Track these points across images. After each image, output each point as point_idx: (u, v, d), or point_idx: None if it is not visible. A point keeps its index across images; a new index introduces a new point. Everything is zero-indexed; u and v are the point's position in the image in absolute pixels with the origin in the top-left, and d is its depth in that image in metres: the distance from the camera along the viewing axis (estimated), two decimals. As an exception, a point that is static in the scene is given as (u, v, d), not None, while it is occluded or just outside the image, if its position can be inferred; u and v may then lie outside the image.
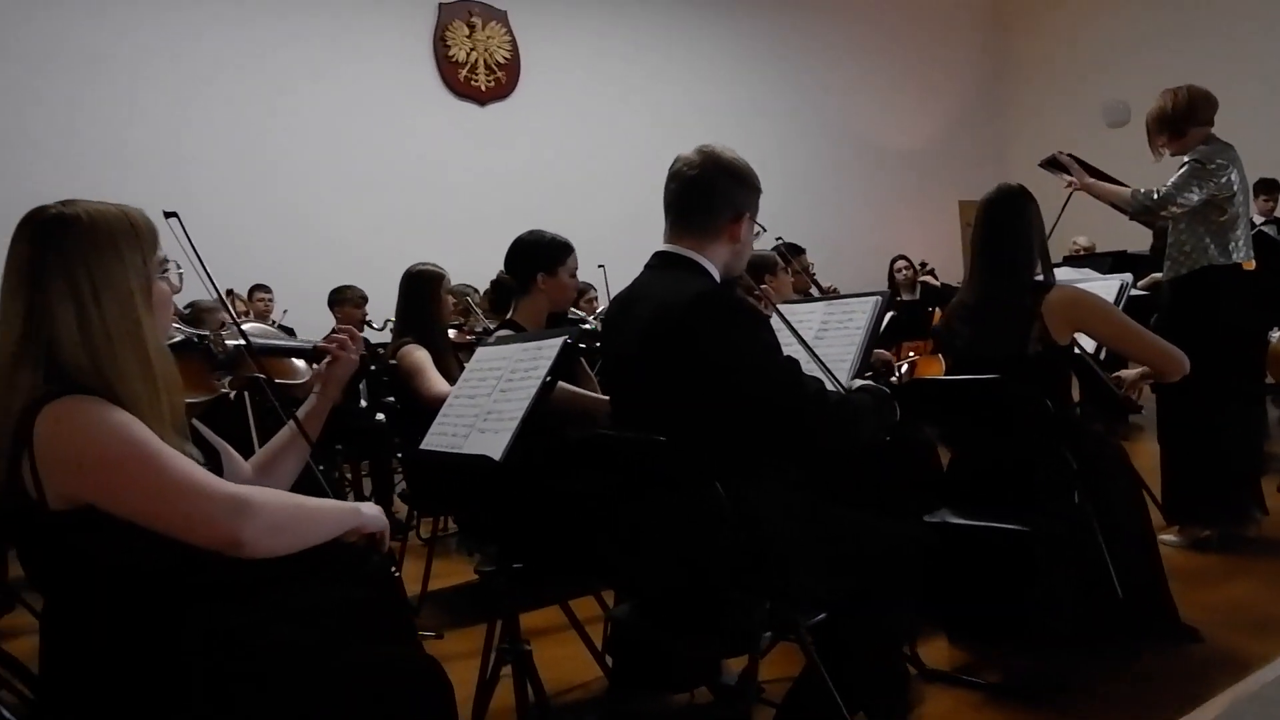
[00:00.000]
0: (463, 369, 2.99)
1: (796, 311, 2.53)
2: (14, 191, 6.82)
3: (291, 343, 2.51)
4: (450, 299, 4.08)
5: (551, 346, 2.09)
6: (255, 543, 1.36)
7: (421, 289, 3.61)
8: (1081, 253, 7.11)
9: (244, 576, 1.46)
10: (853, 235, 10.66)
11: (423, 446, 2.23)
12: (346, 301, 6.34)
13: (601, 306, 6.17)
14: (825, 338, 2.42)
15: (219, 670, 1.39)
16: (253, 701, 1.39)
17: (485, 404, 2.14)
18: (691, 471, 1.80)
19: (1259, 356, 3.51)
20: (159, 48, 7.63)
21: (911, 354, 6.18)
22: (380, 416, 4.84)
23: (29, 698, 2.14)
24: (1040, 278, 2.66)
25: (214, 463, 1.57)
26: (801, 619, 1.84)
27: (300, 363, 2.46)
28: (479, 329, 4.69)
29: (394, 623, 1.72)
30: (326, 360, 1.90)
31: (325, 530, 1.51)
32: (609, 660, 2.58)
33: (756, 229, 2.10)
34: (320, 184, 8.21)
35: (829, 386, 1.99)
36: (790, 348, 1.96)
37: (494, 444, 1.99)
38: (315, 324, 6.21)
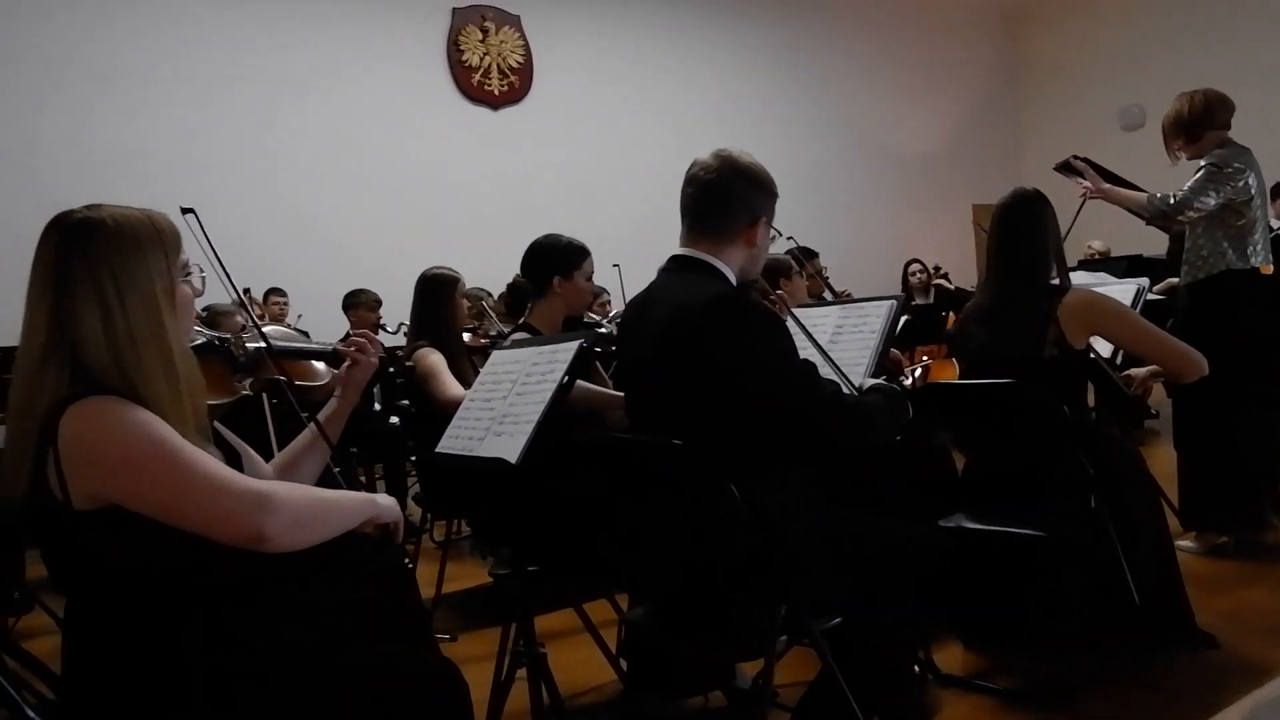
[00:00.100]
0: (477, 372, 3.00)
1: (811, 315, 2.52)
2: (27, 197, 6.94)
3: (311, 345, 2.53)
4: (465, 303, 4.10)
5: (567, 350, 2.10)
6: (279, 537, 1.38)
7: (437, 292, 3.62)
8: (1096, 257, 7.08)
9: (263, 574, 1.47)
10: (865, 239, 10.65)
11: (439, 449, 2.24)
12: (361, 305, 6.37)
13: (615, 309, 6.18)
14: (839, 342, 2.42)
15: (235, 671, 1.40)
16: (268, 701, 1.40)
17: (501, 407, 2.15)
18: (706, 474, 1.80)
19: (1277, 362, 3.48)
20: (171, 53, 7.68)
21: (925, 358, 6.17)
22: (394, 420, 4.85)
23: (48, 698, 2.16)
24: (1056, 281, 2.65)
25: (234, 464, 1.58)
26: (816, 623, 1.84)
27: (320, 365, 2.48)
28: (493, 332, 4.70)
29: (410, 624, 1.73)
30: (346, 364, 1.92)
31: (345, 521, 1.53)
32: (623, 663, 2.59)
33: (772, 233, 2.10)
34: (333, 188, 8.25)
35: (844, 390, 1.99)
36: (805, 351, 1.95)
37: (510, 447, 2.00)
38: (329, 328, 6.25)
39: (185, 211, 1.74)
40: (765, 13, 10.72)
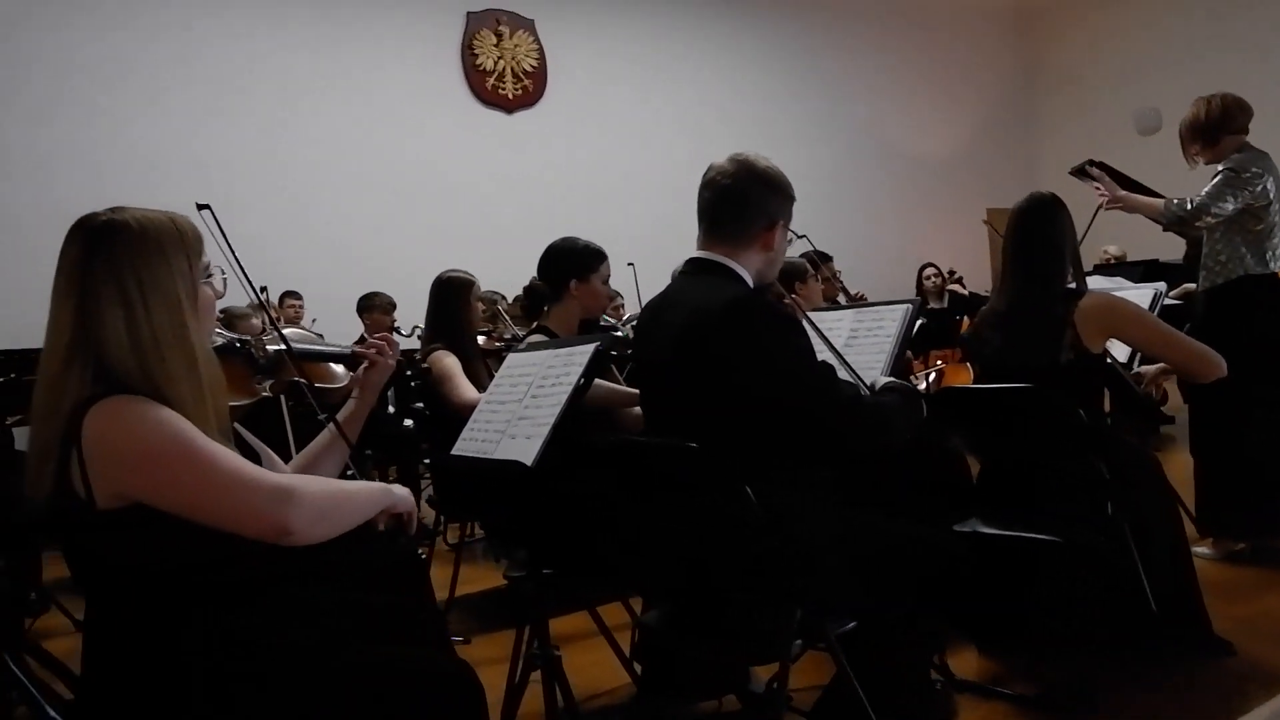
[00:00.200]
0: (491, 375, 3.01)
1: (825, 319, 2.52)
2: (39, 201, 6.99)
3: (329, 348, 2.54)
4: (480, 305, 4.11)
5: (583, 353, 2.10)
6: (304, 530, 1.39)
7: (452, 295, 3.64)
8: (1112, 261, 7.04)
9: (279, 572, 1.48)
10: (879, 243, 10.62)
11: (454, 452, 2.24)
12: (375, 308, 6.40)
13: (629, 311, 6.18)
14: (854, 345, 2.41)
15: (246, 673, 1.41)
16: (282, 703, 1.41)
17: (516, 410, 2.16)
18: (723, 477, 1.80)
19: (1295, 367, 3.46)
20: (183, 57, 7.71)
21: (939, 362, 6.16)
22: (408, 422, 4.87)
23: (65, 698, 2.18)
24: (1072, 285, 2.64)
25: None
26: (831, 627, 1.83)
27: (338, 367, 2.49)
28: (508, 335, 4.71)
29: (425, 625, 1.73)
30: (364, 366, 1.93)
31: (364, 512, 1.55)
32: (637, 667, 2.59)
33: (790, 236, 2.10)
34: (346, 191, 8.28)
35: (862, 391, 1.99)
36: (820, 354, 1.95)
37: (525, 450, 2.00)
38: (342, 331, 6.28)
39: (201, 208, 1.76)
40: (779, 17, 10.72)
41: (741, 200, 1.99)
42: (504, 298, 5.69)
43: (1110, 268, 6.27)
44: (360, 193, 8.33)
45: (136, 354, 1.39)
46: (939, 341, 5.82)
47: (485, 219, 8.69)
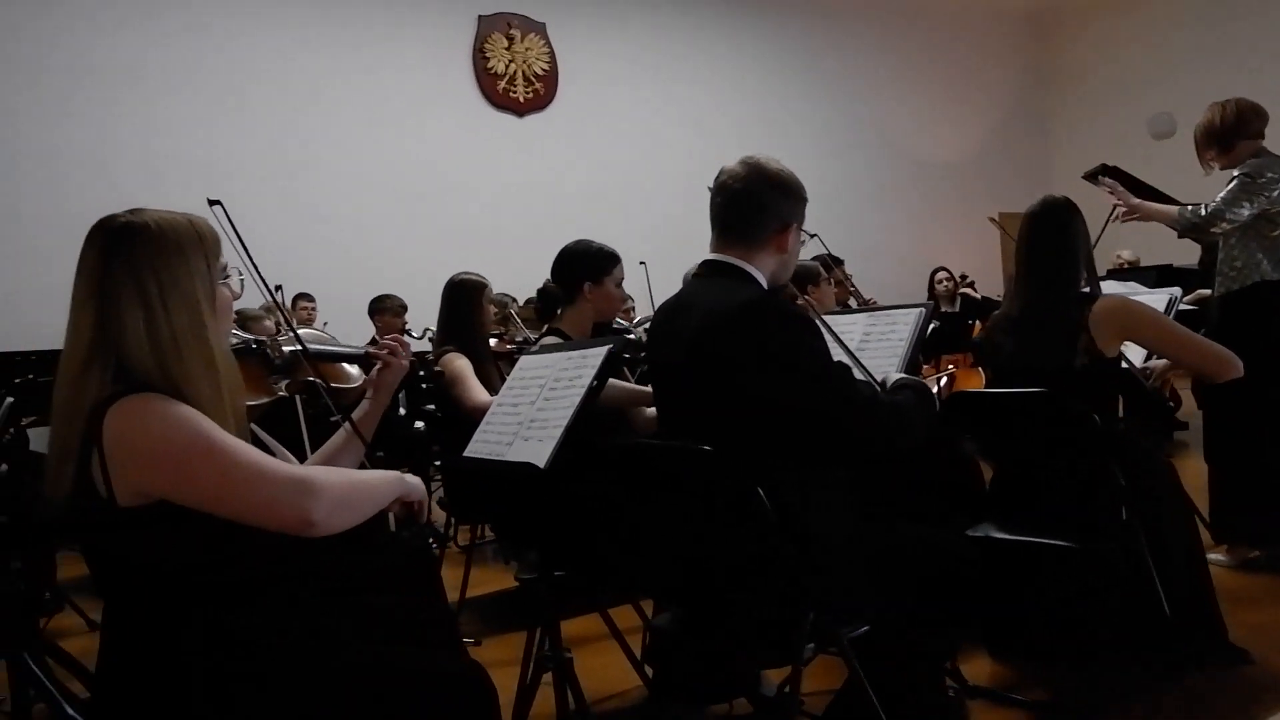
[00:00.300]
0: (503, 378, 3.01)
1: (838, 323, 2.51)
2: (49, 202, 7.02)
3: (343, 348, 2.56)
4: (492, 308, 4.12)
5: (596, 355, 2.10)
6: (326, 521, 1.40)
7: (464, 298, 3.65)
8: (1125, 266, 7.01)
9: (296, 568, 1.49)
10: (890, 247, 10.60)
11: (466, 453, 2.25)
12: (386, 310, 6.41)
13: (640, 314, 6.18)
14: (867, 349, 2.41)
15: (267, 673, 1.41)
16: (299, 703, 1.41)
17: (529, 412, 2.16)
18: (736, 480, 1.80)
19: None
20: (194, 58, 7.76)
21: (950, 366, 6.14)
22: (419, 424, 4.88)
23: (79, 697, 2.19)
24: (1086, 290, 2.63)
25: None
26: (844, 631, 1.83)
27: (352, 368, 2.51)
28: (519, 338, 4.72)
29: (436, 626, 1.73)
30: (377, 366, 1.94)
31: (380, 500, 1.56)
32: (648, 669, 2.59)
33: (804, 237, 2.10)
34: (357, 194, 8.31)
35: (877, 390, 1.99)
36: (835, 355, 1.95)
37: (538, 452, 2.01)
38: (352, 334, 6.29)
39: (212, 203, 1.77)
40: (791, 21, 10.72)
41: (753, 204, 1.99)
42: (515, 300, 5.70)
43: (1124, 273, 6.24)
44: (371, 195, 8.36)
45: (156, 354, 1.40)
46: (950, 345, 5.81)
47: (496, 221, 8.71)
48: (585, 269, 3.05)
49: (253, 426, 1.66)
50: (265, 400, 2.29)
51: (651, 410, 2.96)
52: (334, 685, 1.43)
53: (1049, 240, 2.66)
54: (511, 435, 2.14)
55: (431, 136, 8.69)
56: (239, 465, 1.37)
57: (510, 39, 9.20)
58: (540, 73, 9.35)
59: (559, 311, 3.16)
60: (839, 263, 4.87)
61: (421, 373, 3.47)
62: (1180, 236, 3.66)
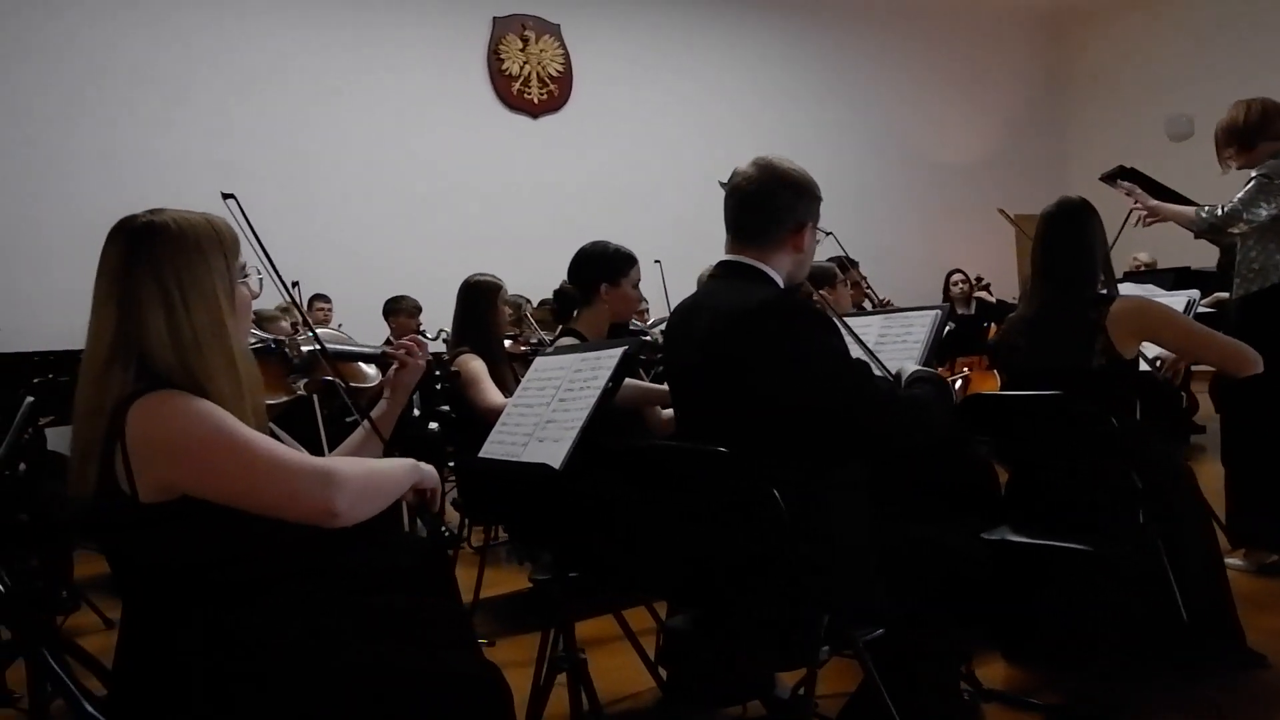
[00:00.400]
0: (517, 379, 3.02)
1: (853, 324, 2.51)
2: (63, 202, 7.05)
3: (360, 348, 2.57)
4: (506, 309, 4.13)
5: (611, 356, 2.11)
6: (347, 511, 1.41)
7: (479, 299, 3.66)
8: (1142, 269, 6.97)
9: (318, 563, 1.50)
10: (905, 249, 10.56)
11: (482, 454, 2.25)
12: (401, 312, 6.43)
13: (654, 315, 6.17)
14: (882, 351, 2.40)
15: (285, 673, 1.42)
16: (321, 703, 1.42)
17: (544, 413, 2.16)
18: (751, 481, 1.79)
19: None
20: (208, 60, 7.77)
21: (965, 369, 6.12)
22: (433, 425, 4.89)
23: (94, 694, 2.20)
24: (1104, 291, 2.62)
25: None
26: (859, 633, 1.82)
27: (369, 368, 2.52)
28: (534, 340, 4.73)
29: (452, 626, 1.74)
30: (394, 366, 1.95)
31: (398, 488, 1.58)
32: (662, 671, 2.58)
33: (819, 235, 2.09)
34: (371, 195, 8.33)
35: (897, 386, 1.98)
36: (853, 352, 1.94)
37: (553, 453, 2.01)
38: (367, 335, 6.30)
39: (226, 197, 1.79)
40: (803, 21, 10.69)
41: (767, 205, 1.98)
42: (529, 301, 5.71)
43: (1141, 275, 6.20)
44: (384, 196, 8.38)
45: (178, 352, 1.42)
46: (965, 348, 5.77)
47: (510, 223, 8.72)
48: (602, 270, 3.05)
49: (272, 426, 1.67)
50: (285, 399, 2.31)
51: (668, 411, 2.96)
52: (336, 685, 1.43)
53: (1065, 241, 2.64)
54: (527, 436, 2.15)
55: (445, 138, 8.71)
56: (262, 458, 1.38)
57: (525, 40, 9.22)
58: (555, 74, 9.36)
59: (576, 313, 3.17)
60: (854, 264, 4.85)
61: (437, 373, 3.48)
62: (1197, 237, 3.64)
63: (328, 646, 1.47)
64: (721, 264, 2.05)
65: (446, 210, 8.58)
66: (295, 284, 6.14)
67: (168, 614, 1.42)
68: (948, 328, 4.55)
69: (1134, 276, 6.08)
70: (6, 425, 2.47)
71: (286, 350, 2.22)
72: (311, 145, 8.14)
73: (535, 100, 9.26)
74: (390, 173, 8.43)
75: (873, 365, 2.00)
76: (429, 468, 1.67)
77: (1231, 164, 3.56)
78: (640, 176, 9.47)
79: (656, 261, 4.94)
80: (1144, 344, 2.73)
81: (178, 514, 1.37)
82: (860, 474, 1.99)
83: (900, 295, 7.44)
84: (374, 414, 1.91)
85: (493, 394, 3.30)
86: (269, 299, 5.25)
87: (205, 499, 1.37)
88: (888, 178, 11.03)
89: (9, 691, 2.83)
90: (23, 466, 3.00)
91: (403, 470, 1.61)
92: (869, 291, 5.58)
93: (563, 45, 9.39)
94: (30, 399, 2.34)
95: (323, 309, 7.13)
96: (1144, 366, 2.90)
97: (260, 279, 1.64)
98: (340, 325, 7.10)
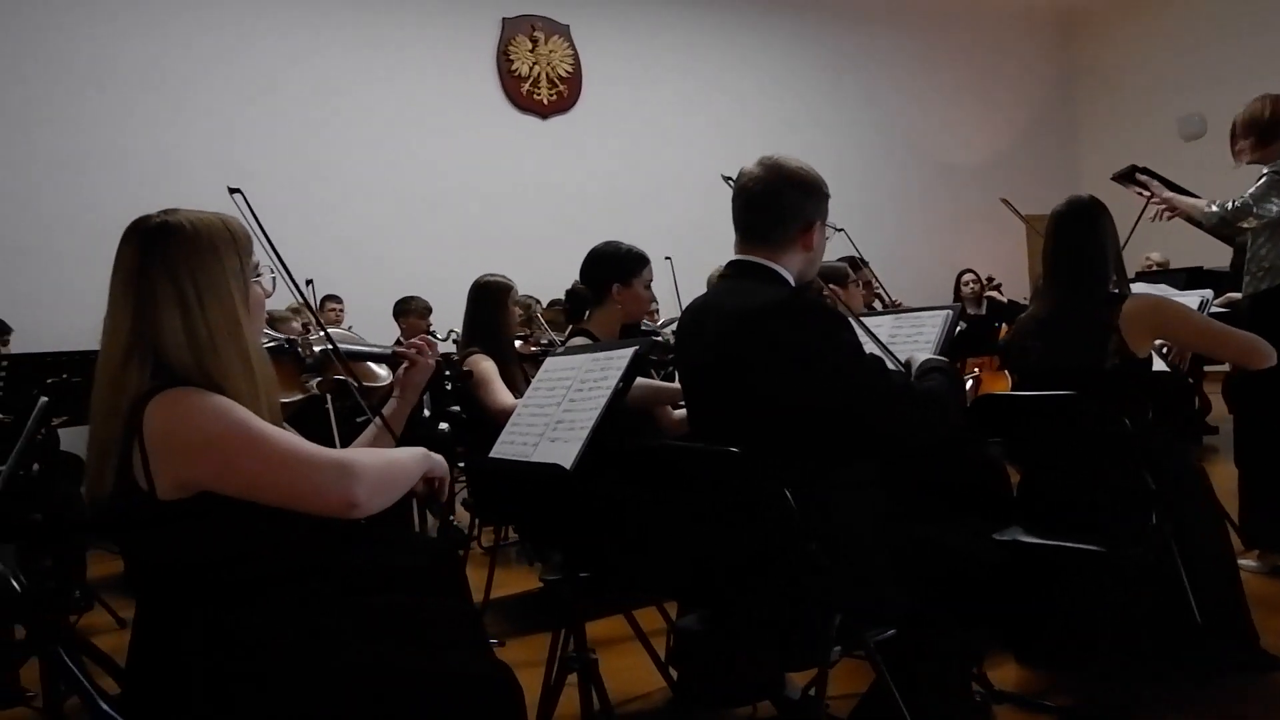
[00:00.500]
0: (527, 380, 3.02)
1: (865, 323, 2.51)
2: (71, 203, 7.06)
3: (371, 347, 2.58)
4: (517, 310, 4.13)
5: (622, 356, 2.10)
6: (367, 502, 1.42)
7: (490, 299, 3.66)
8: (1154, 268, 6.93)
9: (333, 560, 1.51)
10: (915, 249, 10.53)
11: (492, 455, 2.25)
12: (411, 312, 6.45)
13: (664, 312, 6.17)
14: (894, 350, 2.40)
15: (275, 672, 1.42)
16: (329, 701, 1.42)
17: (555, 413, 2.16)
18: (763, 481, 1.79)
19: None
20: (216, 61, 7.78)
21: (976, 369, 6.10)
22: (443, 425, 4.89)
23: (107, 693, 2.21)
24: (1116, 290, 2.61)
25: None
26: (870, 634, 1.82)
27: (380, 368, 2.53)
28: (544, 340, 4.73)
29: (463, 627, 1.74)
30: (404, 366, 1.96)
31: (411, 477, 1.60)
32: (672, 672, 2.58)
33: (829, 231, 2.09)
34: (379, 196, 8.34)
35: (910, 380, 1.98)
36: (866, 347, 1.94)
37: (564, 453, 2.01)
38: (377, 335, 6.30)
39: (233, 191, 1.79)
40: (813, 21, 10.68)
41: (775, 204, 1.98)
42: (539, 302, 5.71)
43: (1153, 275, 6.17)
44: (394, 197, 8.39)
45: (194, 351, 1.43)
46: (977, 348, 5.75)
47: (520, 224, 8.73)
48: (614, 270, 3.05)
49: (285, 425, 1.68)
50: (298, 397, 2.33)
51: (680, 410, 2.96)
52: (336, 685, 1.43)
53: (1077, 240, 2.63)
54: (538, 436, 2.15)
55: (455, 139, 8.72)
56: (280, 451, 1.39)
57: (534, 41, 9.23)
58: (564, 75, 9.37)
59: (588, 313, 3.17)
60: (865, 264, 4.84)
61: (447, 373, 3.49)
62: (1208, 232, 3.62)
63: (328, 646, 1.47)
64: (732, 264, 2.04)
65: (456, 211, 8.59)
66: (309, 282, 6.15)
67: (174, 613, 1.43)
68: (959, 328, 4.55)
69: (1146, 276, 6.05)
70: (20, 425, 2.49)
71: (299, 349, 2.24)
72: (321, 147, 8.15)
73: (544, 101, 9.27)
74: (399, 174, 8.44)
75: (886, 359, 2.00)
76: (438, 457, 1.69)
77: (1244, 157, 3.54)
78: (650, 177, 9.47)
79: (667, 258, 4.93)
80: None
81: (196, 511, 1.38)
82: (871, 473, 1.99)
83: (911, 295, 7.42)
84: (385, 412, 1.92)
85: (503, 394, 3.31)
86: (281, 298, 5.29)
87: (225, 494, 1.38)
88: (898, 178, 11.00)
89: (24, 690, 2.85)
90: (37, 467, 3.02)
91: (414, 460, 1.63)
92: (879, 291, 5.56)
93: (572, 46, 9.40)
94: (44, 399, 2.36)
95: (334, 309, 7.15)
96: (1155, 360, 2.89)
97: (274, 278, 1.65)
98: (350, 326, 7.13)
